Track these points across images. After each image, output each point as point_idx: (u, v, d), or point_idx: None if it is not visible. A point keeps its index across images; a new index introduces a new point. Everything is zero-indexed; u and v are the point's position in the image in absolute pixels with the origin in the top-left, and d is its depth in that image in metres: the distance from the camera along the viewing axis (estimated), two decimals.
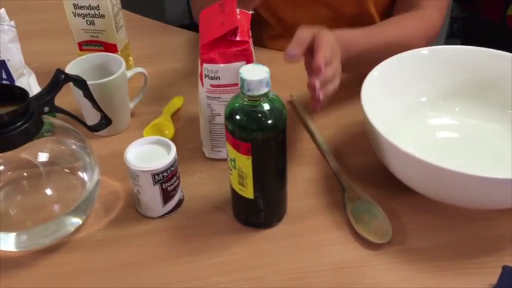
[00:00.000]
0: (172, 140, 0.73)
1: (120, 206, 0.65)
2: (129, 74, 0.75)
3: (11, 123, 0.53)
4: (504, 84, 0.69)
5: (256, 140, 0.53)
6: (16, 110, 0.52)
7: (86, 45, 0.83)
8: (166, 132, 0.75)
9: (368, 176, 0.68)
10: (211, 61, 0.62)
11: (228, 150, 0.57)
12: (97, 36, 0.81)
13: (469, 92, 0.70)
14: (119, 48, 0.83)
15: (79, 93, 0.65)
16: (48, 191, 0.61)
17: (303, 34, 0.63)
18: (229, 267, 0.58)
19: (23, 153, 0.58)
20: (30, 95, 0.56)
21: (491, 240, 0.59)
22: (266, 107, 0.53)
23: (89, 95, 0.63)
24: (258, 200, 0.58)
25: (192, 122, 0.78)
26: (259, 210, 0.60)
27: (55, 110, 0.58)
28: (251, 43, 0.63)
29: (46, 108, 0.57)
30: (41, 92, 0.58)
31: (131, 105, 0.78)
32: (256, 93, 0.51)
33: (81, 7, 0.78)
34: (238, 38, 0.61)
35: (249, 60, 0.63)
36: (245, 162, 0.55)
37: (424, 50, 0.70)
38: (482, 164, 0.65)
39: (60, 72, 0.59)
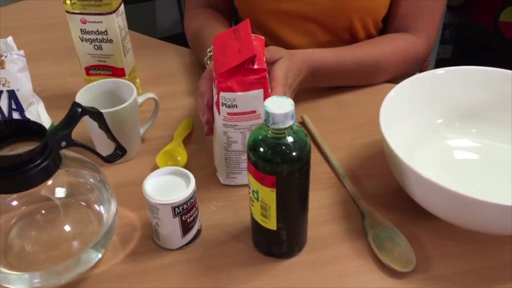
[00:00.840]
0: (185, 166, 0.73)
1: (137, 237, 0.64)
2: (140, 100, 0.74)
3: (30, 162, 0.52)
4: None
5: (281, 173, 0.52)
6: (35, 149, 0.51)
7: (93, 70, 0.81)
8: (179, 158, 0.74)
9: (386, 200, 0.67)
10: (229, 90, 0.61)
11: (249, 182, 0.56)
12: (104, 61, 0.80)
13: (486, 113, 0.71)
14: (127, 72, 0.82)
15: (93, 124, 0.63)
16: (66, 226, 0.59)
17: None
18: None
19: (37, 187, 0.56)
20: (43, 125, 0.54)
21: None
22: (290, 139, 0.52)
23: (105, 127, 0.61)
24: (281, 231, 0.57)
25: (204, 147, 0.77)
26: (282, 241, 0.59)
27: (72, 145, 0.57)
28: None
29: (63, 143, 0.56)
30: (57, 126, 0.56)
31: (142, 131, 0.77)
32: (281, 126, 0.51)
33: (88, 32, 0.77)
34: (256, 66, 0.61)
35: (266, 88, 0.62)
36: (269, 195, 0.54)
37: (440, 71, 0.70)
38: (502, 188, 0.64)
39: (76, 105, 0.57)
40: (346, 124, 0.81)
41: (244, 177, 0.70)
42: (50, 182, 0.55)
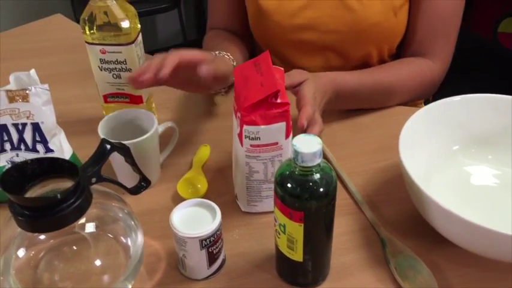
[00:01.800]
0: (206, 194, 0.74)
1: (162, 267, 0.65)
2: (160, 129, 0.75)
3: (64, 201, 0.53)
4: None
5: (309, 209, 0.54)
6: (70, 188, 0.52)
7: (111, 97, 0.83)
8: (199, 186, 0.75)
9: (404, 226, 0.69)
10: (252, 123, 0.62)
11: (276, 215, 0.58)
12: (123, 89, 0.81)
13: (502, 140, 0.72)
14: (144, 99, 0.83)
15: (117, 156, 0.64)
16: (96, 260, 0.60)
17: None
18: None
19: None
20: (75, 164, 0.55)
21: None
22: (318, 176, 0.53)
23: (131, 161, 0.63)
24: (307, 263, 0.59)
25: (222, 173, 0.79)
26: (307, 271, 0.60)
27: (102, 180, 0.58)
28: None
29: (93, 180, 0.57)
30: (87, 163, 0.57)
31: (161, 158, 0.78)
32: (309, 164, 0.52)
33: (108, 62, 0.78)
34: (279, 100, 0.62)
35: (288, 120, 0.63)
36: (297, 229, 0.55)
37: (457, 98, 0.72)
38: None
39: (105, 142, 0.59)
40: (361, 148, 0.82)
41: (264, 205, 0.71)
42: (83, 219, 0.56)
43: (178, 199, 0.74)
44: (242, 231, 0.70)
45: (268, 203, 0.71)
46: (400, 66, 0.90)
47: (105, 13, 0.75)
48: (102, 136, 0.69)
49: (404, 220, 0.70)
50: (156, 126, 0.73)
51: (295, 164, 0.53)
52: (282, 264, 0.62)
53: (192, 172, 0.77)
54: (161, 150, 0.79)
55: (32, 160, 0.55)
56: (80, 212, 0.55)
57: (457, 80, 0.81)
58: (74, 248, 0.60)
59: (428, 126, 0.71)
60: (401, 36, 0.91)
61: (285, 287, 0.62)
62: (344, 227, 0.69)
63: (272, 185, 0.68)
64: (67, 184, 0.55)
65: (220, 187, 0.76)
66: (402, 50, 0.94)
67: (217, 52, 0.83)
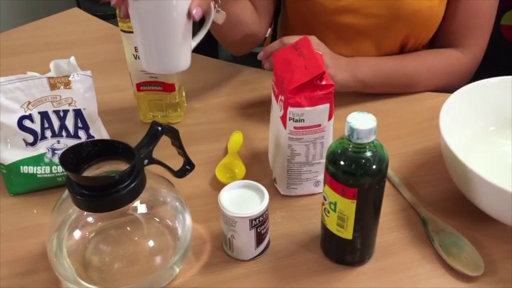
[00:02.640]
0: (243, 179, 0.75)
1: (208, 249, 0.66)
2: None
3: (121, 182, 0.53)
4: None
5: (363, 186, 0.55)
6: (127, 169, 0.53)
7: (144, 86, 0.83)
8: (237, 171, 0.76)
9: (444, 206, 0.70)
10: (297, 105, 0.63)
11: (326, 194, 0.58)
12: (156, 77, 0.82)
13: None
14: (176, 87, 0.84)
15: None
16: (147, 242, 0.61)
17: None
18: None
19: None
20: (129, 145, 0.56)
21: None
22: (370, 153, 0.54)
23: (179, 143, 0.63)
24: (356, 240, 0.60)
25: (257, 158, 0.80)
26: (356, 249, 0.61)
27: (153, 162, 0.59)
28: None
29: (146, 161, 0.58)
30: (140, 145, 0.58)
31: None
32: (365, 141, 0.53)
33: None
34: (324, 82, 0.63)
35: (331, 102, 0.64)
36: (349, 206, 0.56)
37: (494, 80, 0.73)
38: None
39: (156, 124, 0.59)
40: (391, 133, 0.84)
41: (304, 187, 0.72)
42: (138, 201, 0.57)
43: (216, 185, 0.75)
44: (283, 214, 0.71)
45: (307, 186, 0.72)
46: (426, 54, 0.91)
47: None
48: None
49: (443, 200, 0.71)
50: None
51: (349, 141, 0.54)
52: (329, 243, 0.63)
53: (229, 158, 0.78)
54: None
55: (87, 142, 0.56)
56: (136, 193, 0.55)
57: None
58: (128, 228, 0.61)
59: (466, 107, 0.72)
60: (438, 25, 0.91)
61: (332, 266, 0.63)
62: (384, 208, 0.69)
63: (312, 168, 0.70)
64: (121, 166, 0.56)
65: (257, 172, 0.77)
66: (435, 39, 0.94)
67: None
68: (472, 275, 0.60)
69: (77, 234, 0.60)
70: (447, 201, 0.70)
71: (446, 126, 0.66)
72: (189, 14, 0.65)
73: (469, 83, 0.75)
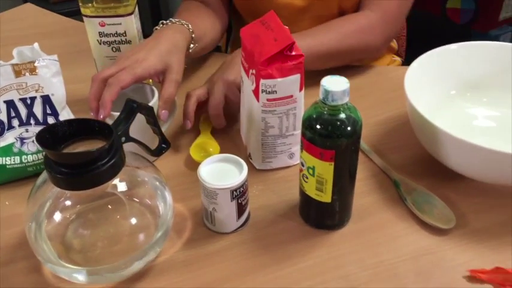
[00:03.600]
0: None
1: (189, 226, 0.66)
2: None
3: (100, 159, 0.53)
4: None
5: (340, 147, 0.56)
6: (105, 145, 0.52)
7: None
8: (211, 149, 0.76)
9: (413, 169, 0.73)
10: (269, 76, 0.64)
11: (303, 159, 0.60)
12: None
13: (493, 83, 0.78)
14: None
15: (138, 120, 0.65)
16: (128, 221, 0.61)
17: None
18: (316, 270, 0.60)
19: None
20: (106, 123, 0.55)
21: None
22: (344, 115, 0.56)
23: (154, 120, 0.63)
24: (335, 203, 0.62)
25: (229, 136, 0.80)
26: (335, 212, 0.63)
27: (130, 140, 0.59)
28: None
29: (123, 139, 0.58)
30: (117, 122, 0.58)
31: (165, 127, 0.77)
32: (339, 102, 0.55)
33: (107, 35, 0.78)
34: (293, 53, 0.64)
35: (302, 73, 0.66)
36: (327, 169, 0.58)
37: (453, 46, 0.77)
38: None
39: (131, 101, 0.59)
40: (356, 105, 0.86)
41: (279, 160, 0.73)
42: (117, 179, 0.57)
43: (191, 164, 0.75)
44: (261, 187, 0.72)
45: (281, 159, 0.73)
46: (334, 21, 0.89)
47: None
48: None
49: (412, 164, 0.74)
50: (157, 96, 0.73)
51: (324, 104, 0.55)
52: (309, 209, 0.65)
53: (202, 138, 0.78)
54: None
55: (62, 122, 0.55)
56: (116, 170, 0.55)
57: (412, 55, 0.83)
58: (109, 207, 0.60)
59: (426, 72, 0.75)
60: None
61: (312, 231, 0.65)
62: (357, 174, 0.73)
63: (286, 140, 0.71)
64: (99, 145, 0.55)
65: (231, 149, 0.77)
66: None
67: (172, 20, 0.82)
68: (445, 228, 0.63)
69: (57, 217, 0.59)
70: (416, 164, 0.74)
71: (411, 92, 0.69)
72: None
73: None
